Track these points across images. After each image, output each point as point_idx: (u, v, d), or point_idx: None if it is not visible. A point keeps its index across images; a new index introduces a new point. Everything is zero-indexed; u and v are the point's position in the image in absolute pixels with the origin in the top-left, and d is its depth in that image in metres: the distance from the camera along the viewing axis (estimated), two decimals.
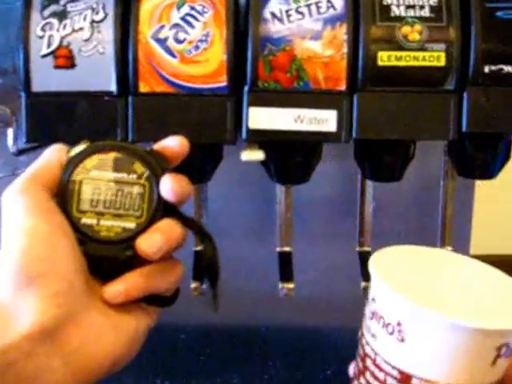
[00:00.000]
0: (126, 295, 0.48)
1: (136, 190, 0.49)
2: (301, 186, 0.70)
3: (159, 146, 0.51)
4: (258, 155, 0.62)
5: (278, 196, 0.75)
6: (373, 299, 0.49)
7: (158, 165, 0.50)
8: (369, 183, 0.78)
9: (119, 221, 0.49)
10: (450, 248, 0.79)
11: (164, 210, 0.50)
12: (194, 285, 0.76)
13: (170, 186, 0.49)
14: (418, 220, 0.88)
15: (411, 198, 0.87)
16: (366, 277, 0.74)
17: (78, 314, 0.46)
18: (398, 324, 0.46)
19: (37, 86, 0.60)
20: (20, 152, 0.67)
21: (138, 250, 0.49)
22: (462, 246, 0.84)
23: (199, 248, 0.77)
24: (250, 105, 0.60)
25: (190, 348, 0.89)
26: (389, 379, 0.47)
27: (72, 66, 0.60)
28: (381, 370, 0.47)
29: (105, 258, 0.49)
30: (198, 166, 0.66)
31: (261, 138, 0.61)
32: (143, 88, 0.60)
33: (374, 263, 0.49)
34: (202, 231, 0.52)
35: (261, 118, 0.60)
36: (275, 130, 0.60)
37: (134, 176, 0.50)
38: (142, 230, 0.49)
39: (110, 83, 0.60)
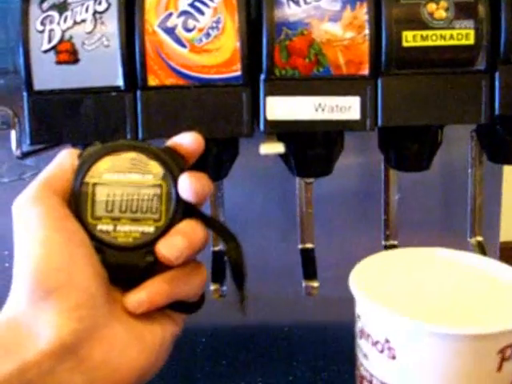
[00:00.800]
0: (150, 303, 0.47)
1: (153, 191, 0.48)
2: (322, 179, 0.67)
3: (173, 143, 0.50)
4: (277, 148, 0.58)
5: (298, 190, 0.73)
6: (358, 317, 0.46)
7: (175, 163, 0.48)
8: (393, 174, 0.75)
9: (137, 225, 0.48)
10: (480, 238, 0.77)
11: (184, 210, 0.48)
12: (213, 287, 0.74)
13: (189, 186, 0.47)
14: (445, 210, 0.85)
15: (436, 187, 0.84)
16: None
17: (99, 328, 0.45)
18: (387, 341, 0.44)
19: (39, 83, 0.58)
20: (25, 155, 0.64)
21: (158, 256, 0.47)
22: (491, 235, 0.82)
23: (217, 248, 0.75)
24: (267, 94, 0.57)
25: (211, 351, 0.88)
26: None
27: (75, 60, 0.57)
28: None
29: (124, 266, 0.47)
30: (214, 163, 0.63)
31: (280, 130, 0.58)
32: (152, 81, 0.57)
33: (354, 279, 0.47)
34: (226, 231, 0.50)
35: (279, 108, 0.57)
36: (295, 121, 0.58)
37: (150, 176, 0.48)
38: (161, 233, 0.47)
39: (116, 78, 0.57)
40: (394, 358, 0.43)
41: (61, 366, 0.42)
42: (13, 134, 0.63)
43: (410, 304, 0.43)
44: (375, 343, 0.44)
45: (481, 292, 0.48)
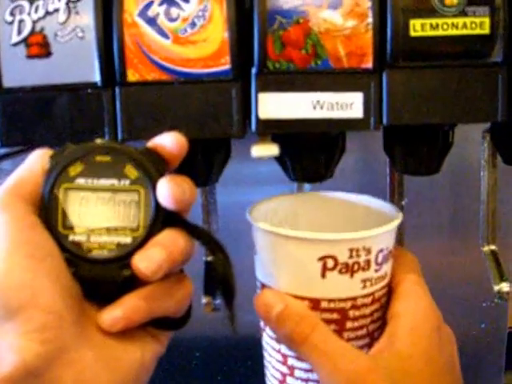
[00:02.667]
0: (126, 321, 0.44)
1: (130, 197, 0.45)
2: (321, 183, 0.63)
3: (153, 144, 0.47)
4: (271, 150, 0.54)
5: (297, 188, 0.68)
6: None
7: (154, 167, 0.46)
8: (399, 177, 0.71)
9: (113, 235, 0.45)
10: (493, 247, 0.72)
11: (164, 219, 0.45)
12: (205, 300, 0.70)
13: (168, 191, 0.44)
14: (455, 217, 0.83)
15: (446, 191, 0.82)
16: None
17: (68, 350, 0.41)
18: (253, 243, 0.53)
19: (8, 80, 0.54)
20: None
21: (134, 270, 0.44)
22: (506, 243, 0.77)
23: (210, 258, 0.69)
24: (260, 90, 0.53)
25: (206, 365, 0.87)
26: (258, 290, 0.54)
27: (47, 54, 0.53)
28: (257, 285, 0.54)
29: (99, 281, 0.45)
30: (203, 166, 0.59)
31: (274, 130, 0.54)
32: (132, 77, 0.53)
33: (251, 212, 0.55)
34: (213, 241, 0.47)
35: (273, 105, 0.53)
36: (290, 120, 0.53)
37: (127, 182, 0.45)
38: (139, 244, 0.45)
39: (92, 73, 0.53)
40: (256, 253, 0.53)
41: None
42: None
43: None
44: (253, 248, 0.54)
45: (355, 220, 0.57)
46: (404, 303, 0.52)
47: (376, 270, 0.51)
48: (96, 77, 0.53)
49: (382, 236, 0.51)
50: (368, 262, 0.50)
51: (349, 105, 0.53)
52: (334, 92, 0.53)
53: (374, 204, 0.58)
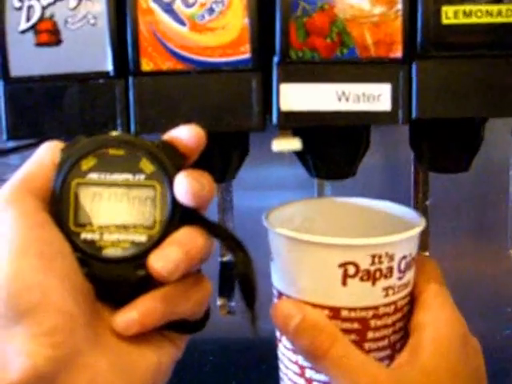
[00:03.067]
0: (141, 324, 0.42)
1: (145, 193, 0.44)
2: (343, 181, 0.61)
3: (170, 137, 0.45)
4: (293, 144, 0.51)
5: (317, 192, 0.67)
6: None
7: (171, 161, 0.44)
8: (425, 175, 0.68)
9: (127, 233, 0.43)
10: None
11: (181, 216, 0.43)
12: (220, 302, 0.69)
13: (186, 187, 0.42)
14: (482, 218, 0.80)
15: (472, 191, 0.79)
16: None
17: (81, 355, 0.40)
18: (270, 249, 0.52)
19: (16, 69, 0.52)
20: (5, 152, 0.59)
21: (150, 270, 0.42)
22: None
23: (226, 259, 0.70)
24: (281, 81, 0.50)
25: (220, 371, 0.85)
26: (274, 299, 0.52)
27: (57, 42, 0.51)
28: (273, 293, 0.53)
29: (112, 281, 0.43)
30: (220, 161, 0.57)
31: (295, 123, 0.51)
32: (146, 66, 0.51)
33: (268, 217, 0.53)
34: (233, 239, 0.45)
35: (295, 97, 0.50)
36: (313, 112, 0.51)
37: (142, 176, 0.44)
38: (155, 243, 0.43)
39: (104, 62, 0.51)
40: (272, 260, 0.52)
41: None
42: None
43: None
44: (269, 255, 0.52)
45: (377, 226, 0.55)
46: (427, 314, 0.50)
47: (399, 278, 0.49)
48: (108, 66, 0.51)
49: (406, 242, 0.49)
50: (390, 270, 0.48)
51: (376, 97, 0.50)
52: (360, 83, 0.50)
53: (394, 210, 0.56)
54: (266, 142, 0.53)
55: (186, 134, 0.44)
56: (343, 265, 0.47)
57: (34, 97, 0.52)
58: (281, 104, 0.50)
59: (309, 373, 0.50)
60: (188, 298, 0.44)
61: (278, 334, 0.52)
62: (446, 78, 0.50)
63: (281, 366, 0.53)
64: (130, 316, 0.42)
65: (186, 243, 0.43)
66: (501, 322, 0.81)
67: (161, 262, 0.42)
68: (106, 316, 0.43)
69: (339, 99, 0.50)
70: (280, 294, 0.51)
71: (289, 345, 0.50)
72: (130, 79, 0.51)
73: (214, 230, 0.45)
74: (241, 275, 0.45)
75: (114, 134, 0.45)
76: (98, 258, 0.43)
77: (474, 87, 0.50)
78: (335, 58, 0.50)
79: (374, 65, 0.50)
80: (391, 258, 0.48)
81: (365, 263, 0.47)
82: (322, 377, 0.49)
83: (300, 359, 0.50)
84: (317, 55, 0.50)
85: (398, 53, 0.50)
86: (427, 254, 0.71)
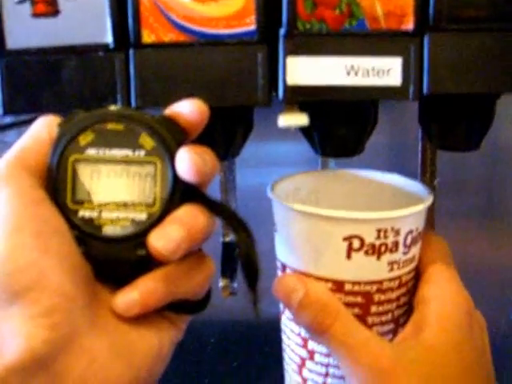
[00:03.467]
0: (142, 305, 0.41)
1: (145, 169, 0.42)
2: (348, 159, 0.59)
3: (171, 112, 0.43)
4: (300, 119, 0.50)
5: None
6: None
7: (172, 136, 0.42)
8: (432, 154, 0.67)
9: (126, 211, 0.42)
10: None
11: (183, 193, 0.42)
12: (222, 283, 0.68)
13: (188, 163, 0.41)
14: (490, 198, 0.79)
15: (481, 170, 0.78)
16: None
17: (79, 337, 0.39)
18: (274, 221, 0.52)
19: (12, 41, 0.50)
20: (1, 129, 0.56)
21: (150, 250, 0.41)
22: None
23: (228, 239, 0.69)
24: (288, 54, 0.48)
25: (221, 352, 0.85)
26: (278, 271, 0.52)
27: (55, 13, 0.49)
28: (277, 265, 0.53)
29: (112, 261, 0.42)
30: (223, 138, 0.56)
31: (302, 98, 0.49)
32: (147, 38, 0.49)
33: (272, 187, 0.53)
34: (235, 218, 0.44)
35: (302, 70, 0.48)
36: (321, 86, 0.48)
37: (142, 152, 0.42)
38: (155, 221, 0.42)
39: (104, 33, 0.50)
40: (276, 231, 0.52)
41: (32, 383, 0.36)
42: None
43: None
44: (274, 226, 0.52)
45: (383, 200, 0.55)
46: (432, 288, 0.49)
47: (404, 253, 0.49)
48: (108, 38, 0.50)
49: (412, 217, 0.48)
50: (396, 244, 0.48)
51: (386, 71, 0.48)
52: (369, 56, 0.48)
53: (402, 183, 0.55)
54: (270, 118, 0.52)
55: (188, 109, 0.43)
56: (348, 238, 0.47)
57: (31, 70, 0.50)
58: (287, 78, 0.49)
59: (311, 344, 0.50)
60: (190, 277, 0.43)
61: (281, 305, 0.52)
62: (459, 52, 0.48)
63: (283, 337, 0.54)
64: (131, 297, 0.41)
65: (187, 221, 0.41)
66: (507, 303, 0.81)
67: (161, 241, 0.41)
68: (105, 297, 0.41)
69: (348, 73, 0.48)
70: (284, 267, 0.51)
71: (291, 316, 0.50)
72: (131, 52, 0.49)
73: (216, 208, 0.43)
74: (243, 255, 0.44)
75: (113, 108, 0.44)
76: (96, 237, 0.42)
77: (488, 62, 0.48)
78: (344, 30, 0.48)
79: (384, 37, 0.48)
80: (397, 232, 0.47)
81: (370, 237, 0.47)
82: (324, 349, 0.49)
83: (303, 331, 0.50)
84: (325, 27, 0.48)
85: (409, 25, 0.48)
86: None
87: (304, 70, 0.48)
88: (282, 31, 0.48)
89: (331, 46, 0.48)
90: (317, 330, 0.47)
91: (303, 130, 0.55)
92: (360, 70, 0.48)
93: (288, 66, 0.48)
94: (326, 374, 0.50)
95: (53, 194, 0.42)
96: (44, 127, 0.43)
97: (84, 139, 0.42)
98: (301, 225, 0.49)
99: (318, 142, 0.55)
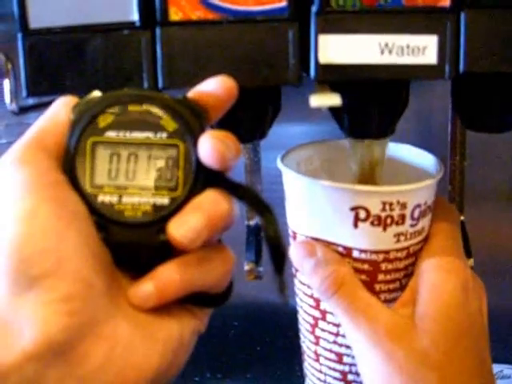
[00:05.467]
0: (159, 297, 0.40)
1: (167, 153, 0.41)
2: None
3: (195, 92, 0.42)
4: (332, 99, 0.48)
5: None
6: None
7: (195, 118, 0.41)
8: (463, 134, 0.67)
9: (148, 196, 0.40)
10: None
11: (206, 177, 0.41)
12: (247, 267, 0.67)
13: (212, 147, 0.40)
14: None
15: (507, 153, 0.76)
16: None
17: (97, 323, 0.37)
18: (285, 190, 0.54)
19: (35, 20, 0.48)
20: (23, 110, 0.56)
21: (169, 238, 0.39)
22: None
23: (253, 222, 0.69)
24: (320, 32, 0.47)
25: (245, 336, 0.85)
26: (290, 239, 0.54)
27: None
28: (289, 233, 0.55)
29: (133, 247, 0.40)
30: (250, 119, 0.54)
31: (335, 77, 0.47)
32: (175, 15, 0.47)
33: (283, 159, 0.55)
34: (260, 202, 0.42)
35: (335, 49, 0.47)
36: (354, 65, 0.47)
37: (164, 135, 0.41)
38: (178, 206, 0.40)
39: (130, 11, 0.48)
40: (287, 199, 0.54)
41: (48, 372, 0.35)
42: (6, 83, 0.53)
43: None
44: (287, 194, 0.54)
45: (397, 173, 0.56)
46: (430, 258, 0.51)
47: (412, 225, 0.50)
48: (134, 16, 0.48)
49: (420, 191, 0.50)
50: (403, 217, 0.49)
51: (421, 49, 0.46)
52: (404, 34, 0.46)
53: (415, 154, 0.57)
54: (298, 98, 0.50)
55: (215, 85, 0.42)
56: (354, 208, 0.49)
57: (55, 50, 0.49)
58: (319, 56, 0.47)
59: (323, 305, 0.52)
60: (208, 269, 0.41)
61: (293, 269, 0.54)
62: (497, 30, 0.46)
63: (297, 299, 0.56)
64: (146, 289, 0.40)
65: (209, 208, 0.40)
66: None
67: (181, 229, 0.39)
68: (124, 284, 0.40)
69: (382, 52, 0.46)
70: (294, 234, 0.53)
71: (304, 279, 0.53)
72: (158, 30, 0.48)
73: (241, 192, 0.42)
74: (271, 238, 0.42)
75: (133, 88, 0.42)
76: (117, 222, 0.40)
77: None
78: (378, 6, 0.46)
79: (419, 14, 0.46)
80: (403, 205, 0.49)
81: (375, 209, 0.49)
82: None
83: (315, 293, 0.52)
84: (359, 4, 0.46)
85: (445, 1, 0.46)
86: (462, 217, 0.68)
87: (336, 49, 0.47)
88: (313, 8, 0.46)
89: (365, 24, 0.46)
90: (324, 294, 0.50)
91: (332, 111, 0.54)
92: (394, 49, 0.46)
93: (320, 45, 0.47)
94: (337, 334, 0.52)
95: (71, 177, 0.40)
96: (62, 108, 0.42)
97: (103, 121, 0.41)
98: (309, 195, 0.50)
99: (347, 123, 0.54)
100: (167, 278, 0.40)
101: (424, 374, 0.46)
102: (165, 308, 0.40)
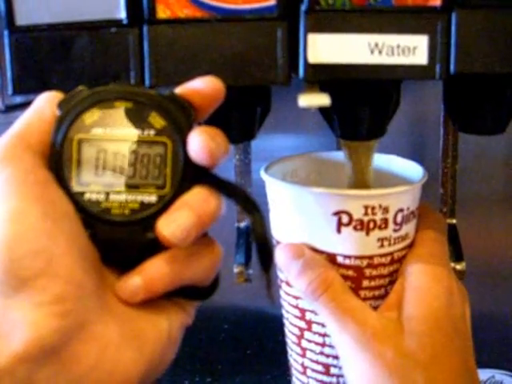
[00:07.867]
0: (147, 291, 0.40)
1: (155, 150, 0.41)
2: None
3: (183, 89, 0.42)
4: (321, 99, 0.47)
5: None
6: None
7: (183, 115, 0.41)
8: (455, 137, 0.66)
9: (135, 193, 0.41)
10: None
11: (194, 175, 0.41)
12: (237, 269, 0.66)
13: (201, 145, 0.40)
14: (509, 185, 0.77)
15: (504, 155, 0.76)
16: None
17: (89, 324, 0.38)
18: (270, 198, 0.54)
19: (22, 17, 0.48)
20: (9, 108, 0.56)
21: (158, 236, 0.40)
22: None
23: (243, 224, 0.69)
24: (309, 31, 0.46)
25: (235, 339, 0.84)
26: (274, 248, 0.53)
27: None
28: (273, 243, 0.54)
29: (120, 244, 0.41)
30: (239, 119, 0.54)
31: (324, 77, 0.47)
32: (162, 13, 0.47)
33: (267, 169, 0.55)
34: (249, 200, 0.42)
35: (324, 48, 0.46)
36: (344, 65, 0.47)
37: (152, 132, 0.41)
38: (166, 203, 0.40)
39: (117, 9, 0.48)
40: (272, 209, 0.53)
41: (40, 373, 0.35)
42: None
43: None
44: (271, 203, 0.54)
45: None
46: (415, 263, 0.51)
47: (395, 230, 0.50)
48: (121, 13, 0.48)
49: (402, 195, 0.50)
50: (385, 221, 0.50)
51: (411, 49, 0.46)
52: (394, 34, 0.46)
53: (400, 164, 0.57)
54: (288, 99, 0.50)
55: (202, 85, 0.42)
56: (337, 213, 0.49)
57: (42, 47, 0.48)
58: (309, 56, 0.46)
59: (309, 315, 0.52)
60: (196, 262, 0.41)
61: (278, 280, 0.54)
62: (489, 30, 0.46)
63: (283, 311, 0.55)
64: (134, 282, 0.40)
65: (197, 206, 0.40)
66: None
67: (171, 227, 0.39)
68: (112, 282, 0.40)
69: (372, 51, 0.46)
70: (278, 244, 0.53)
71: (289, 290, 0.53)
72: (145, 28, 0.48)
73: (229, 190, 0.42)
74: (259, 237, 0.42)
75: (120, 84, 0.42)
76: (104, 220, 0.40)
77: None
78: (368, 5, 0.46)
79: (409, 14, 0.46)
80: (386, 210, 0.49)
81: (358, 213, 0.49)
82: (320, 319, 0.51)
83: (300, 303, 0.52)
84: (348, 3, 0.46)
85: (436, 1, 0.46)
86: (454, 221, 0.68)
87: (326, 48, 0.46)
88: (303, 7, 0.46)
89: (354, 23, 0.46)
90: (311, 294, 0.49)
91: (322, 112, 0.54)
92: (384, 48, 0.46)
93: (309, 44, 0.46)
94: (324, 344, 0.52)
95: (57, 175, 0.40)
96: (47, 104, 0.41)
97: (89, 118, 0.41)
98: (293, 201, 0.50)
99: (337, 124, 0.54)
100: (155, 271, 0.40)
101: (411, 375, 0.46)
102: (153, 303, 0.41)
